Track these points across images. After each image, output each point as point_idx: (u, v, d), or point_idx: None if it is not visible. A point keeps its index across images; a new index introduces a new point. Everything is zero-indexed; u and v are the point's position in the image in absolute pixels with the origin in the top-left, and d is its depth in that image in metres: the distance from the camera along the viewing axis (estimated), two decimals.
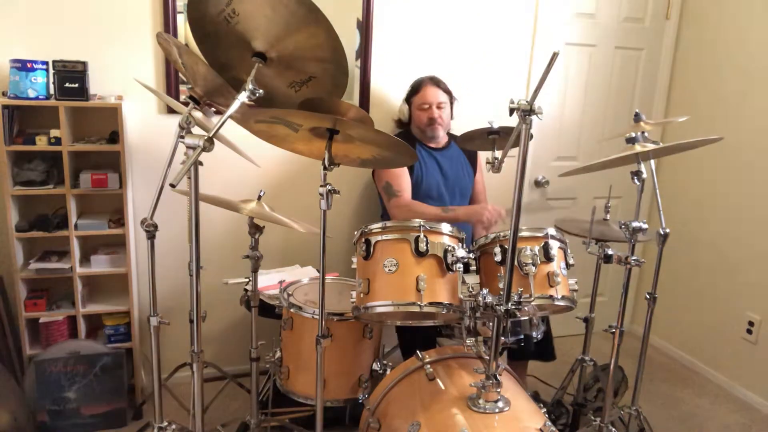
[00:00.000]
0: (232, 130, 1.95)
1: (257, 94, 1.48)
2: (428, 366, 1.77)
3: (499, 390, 1.57)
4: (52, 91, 2.21)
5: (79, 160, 2.39)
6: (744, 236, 2.91)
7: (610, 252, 1.95)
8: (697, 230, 3.17)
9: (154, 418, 1.90)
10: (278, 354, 2.05)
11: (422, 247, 1.66)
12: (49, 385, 2.27)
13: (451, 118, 2.64)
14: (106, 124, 2.40)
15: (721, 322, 3.04)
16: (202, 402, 1.64)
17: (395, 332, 2.44)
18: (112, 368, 2.33)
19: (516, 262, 1.71)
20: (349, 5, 2.65)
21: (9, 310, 2.41)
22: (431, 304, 1.65)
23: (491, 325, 1.55)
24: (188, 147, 1.41)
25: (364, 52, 2.72)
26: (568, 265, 1.83)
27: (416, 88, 2.58)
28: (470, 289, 1.69)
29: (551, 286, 1.74)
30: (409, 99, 2.61)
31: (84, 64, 2.20)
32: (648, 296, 2.24)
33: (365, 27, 2.69)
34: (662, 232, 2.17)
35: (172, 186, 1.35)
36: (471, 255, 1.71)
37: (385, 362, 2.03)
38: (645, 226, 1.93)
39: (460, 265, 1.69)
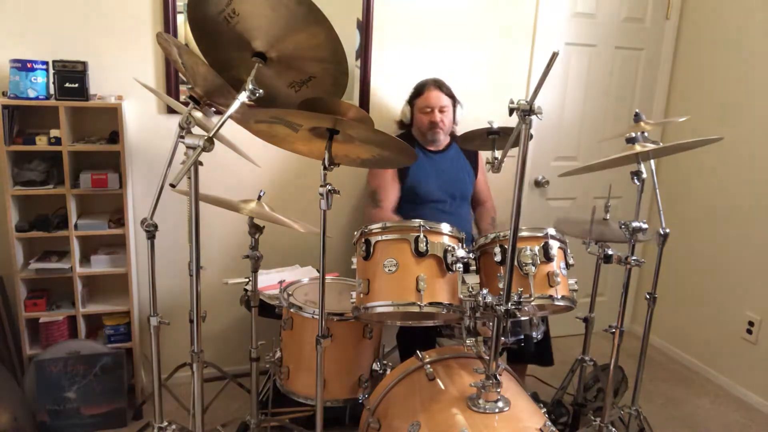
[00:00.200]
0: (232, 130, 1.94)
1: (257, 94, 1.48)
2: (428, 366, 1.77)
3: (499, 390, 1.57)
4: (52, 91, 2.21)
5: (79, 160, 2.39)
6: (744, 236, 2.90)
7: (610, 252, 1.95)
8: (697, 230, 3.17)
9: (154, 418, 1.91)
10: (278, 354, 2.05)
11: (422, 247, 1.66)
12: (49, 385, 2.27)
13: (455, 122, 2.60)
14: (106, 124, 2.40)
15: (721, 322, 3.04)
16: (202, 402, 1.64)
17: (395, 336, 2.43)
18: (112, 368, 2.34)
19: (516, 262, 1.71)
20: (349, 5, 2.65)
21: (9, 310, 2.41)
22: (431, 304, 1.65)
23: (491, 325, 1.55)
24: (188, 147, 1.41)
25: (364, 52, 2.72)
26: (568, 265, 1.83)
27: (419, 91, 2.56)
28: (470, 289, 1.69)
29: (551, 286, 1.74)
30: (411, 101, 2.59)
31: (84, 64, 2.20)
32: (648, 296, 2.24)
33: (365, 27, 2.69)
34: (662, 232, 2.17)
35: (172, 186, 1.35)
36: (471, 255, 1.71)
37: (385, 362, 2.02)
38: (645, 226, 1.93)
39: (460, 265, 1.70)
